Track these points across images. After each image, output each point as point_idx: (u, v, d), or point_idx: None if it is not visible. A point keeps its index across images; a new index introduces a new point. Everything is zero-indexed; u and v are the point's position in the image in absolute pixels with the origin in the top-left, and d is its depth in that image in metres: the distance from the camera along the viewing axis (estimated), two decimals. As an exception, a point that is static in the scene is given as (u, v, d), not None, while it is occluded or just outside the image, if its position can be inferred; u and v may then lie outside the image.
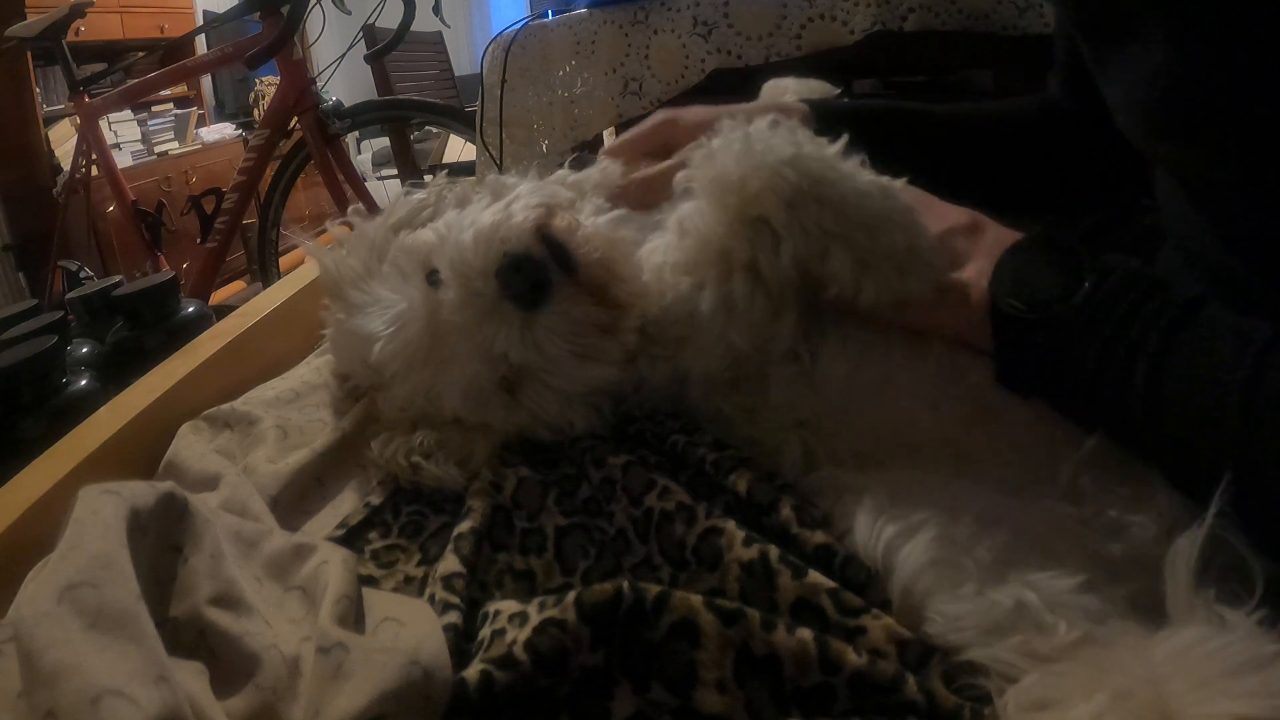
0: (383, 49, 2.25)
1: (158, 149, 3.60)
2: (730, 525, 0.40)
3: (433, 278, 0.48)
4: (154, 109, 3.68)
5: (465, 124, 2.07)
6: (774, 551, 0.39)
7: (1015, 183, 0.66)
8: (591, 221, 0.49)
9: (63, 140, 3.03)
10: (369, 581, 0.42)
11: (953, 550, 0.37)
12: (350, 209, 0.61)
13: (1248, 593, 0.33)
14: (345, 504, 0.50)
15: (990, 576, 0.36)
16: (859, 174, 0.44)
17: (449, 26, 2.73)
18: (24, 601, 0.31)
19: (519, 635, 0.34)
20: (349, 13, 2.10)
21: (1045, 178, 0.67)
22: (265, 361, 0.66)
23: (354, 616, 0.36)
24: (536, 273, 0.44)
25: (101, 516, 0.33)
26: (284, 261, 2.51)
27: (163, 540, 0.36)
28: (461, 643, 0.36)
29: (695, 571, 0.40)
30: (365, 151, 4.33)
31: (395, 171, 2.90)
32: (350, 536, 0.46)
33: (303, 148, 2.24)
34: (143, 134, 3.54)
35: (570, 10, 1.31)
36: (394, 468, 0.48)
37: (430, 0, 2.12)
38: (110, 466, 0.51)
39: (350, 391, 0.57)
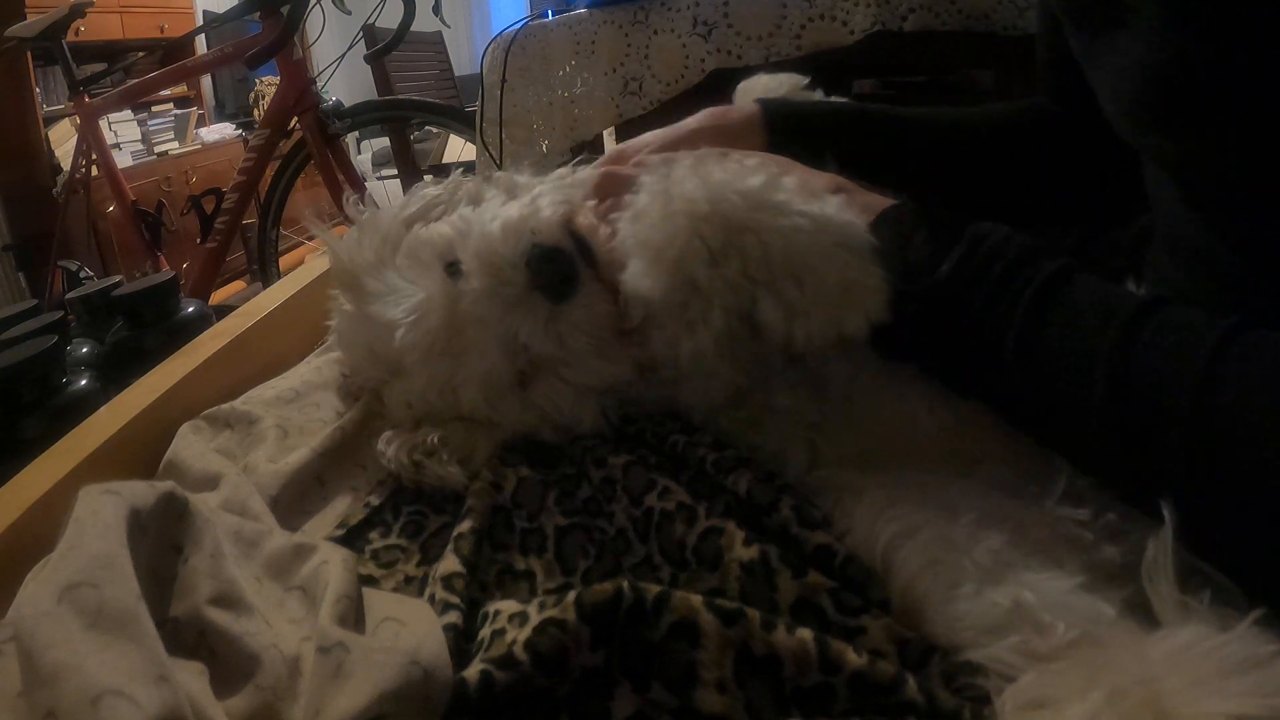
0: (383, 49, 2.25)
1: (158, 149, 3.60)
2: (730, 525, 0.40)
3: (452, 269, 0.48)
4: (154, 109, 3.68)
5: (465, 124, 2.07)
6: (774, 551, 0.39)
7: (998, 189, 0.64)
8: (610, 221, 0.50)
9: (63, 140, 3.02)
10: (369, 581, 0.42)
11: (952, 551, 0.37)
12: (350, 198, 0.60)
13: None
14: (345, 504, 0.50)
15: (989, 577, 0.36)
16: (788, 207, 0.41)
17: (449, 26, 2.72)
18: (24, 601, 0.30)
19: (519, 635, 0.34)
20: (349, 13, 2.09)
21: (1030, 184, 0.65)
22: (265, 361, 0.66)
23: (354, 616, 0.36)
24: (566, 265, 0.44)
25: (101, 516, 0.33)
26: (284, 261, 2.51)
27: (163, 540, 0.36)
28: (461, 643, 0.36)
29: (695, 571, 0.40)
30: (365, 151, 4.32)
31: (395, 171, 2.90)
32: (350, 536, 0.46)
33: (303, 148, 2.23)
34: (143, 134, 3.54)
35: (570, 10, 1.31)
36: (398, 466, 0.48)
37: (430, 0, 2.11)
38: (110, 466, 0.51)
39: (351, 390, 0.57)
